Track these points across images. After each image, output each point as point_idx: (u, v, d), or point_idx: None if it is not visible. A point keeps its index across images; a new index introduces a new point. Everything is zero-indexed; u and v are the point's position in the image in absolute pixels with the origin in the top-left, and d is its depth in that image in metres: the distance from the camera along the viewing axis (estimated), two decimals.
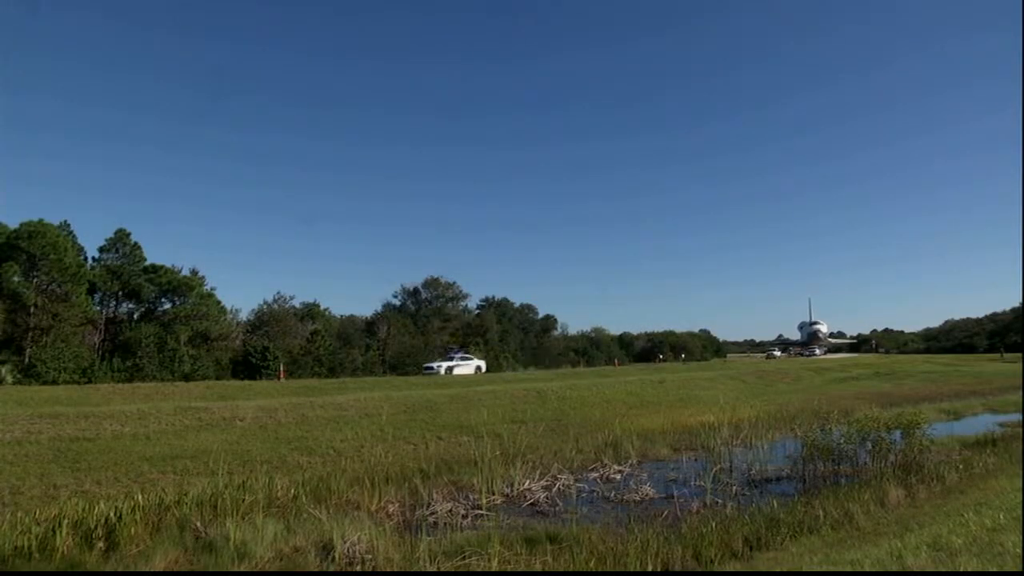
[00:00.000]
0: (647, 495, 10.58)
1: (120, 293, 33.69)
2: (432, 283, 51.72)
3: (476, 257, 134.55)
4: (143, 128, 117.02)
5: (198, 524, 8.12)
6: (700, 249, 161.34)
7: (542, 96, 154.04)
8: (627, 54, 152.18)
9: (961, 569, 5.10)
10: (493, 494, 10.35)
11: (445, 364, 34.06)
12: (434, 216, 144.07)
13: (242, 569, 6.92)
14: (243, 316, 41.22)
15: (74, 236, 32.69)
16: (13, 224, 29.79)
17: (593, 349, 60.01)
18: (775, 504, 8.95)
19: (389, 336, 42.04)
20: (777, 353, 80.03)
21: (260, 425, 14.91)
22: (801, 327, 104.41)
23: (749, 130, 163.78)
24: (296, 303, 43.42)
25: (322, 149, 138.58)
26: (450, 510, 9.46)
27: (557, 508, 9.87)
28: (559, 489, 10.84)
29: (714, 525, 7.88)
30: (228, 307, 38.74)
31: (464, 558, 6.99)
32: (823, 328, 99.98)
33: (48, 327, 28.11)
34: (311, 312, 44.37)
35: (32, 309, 28.21)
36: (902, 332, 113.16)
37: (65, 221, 32.69)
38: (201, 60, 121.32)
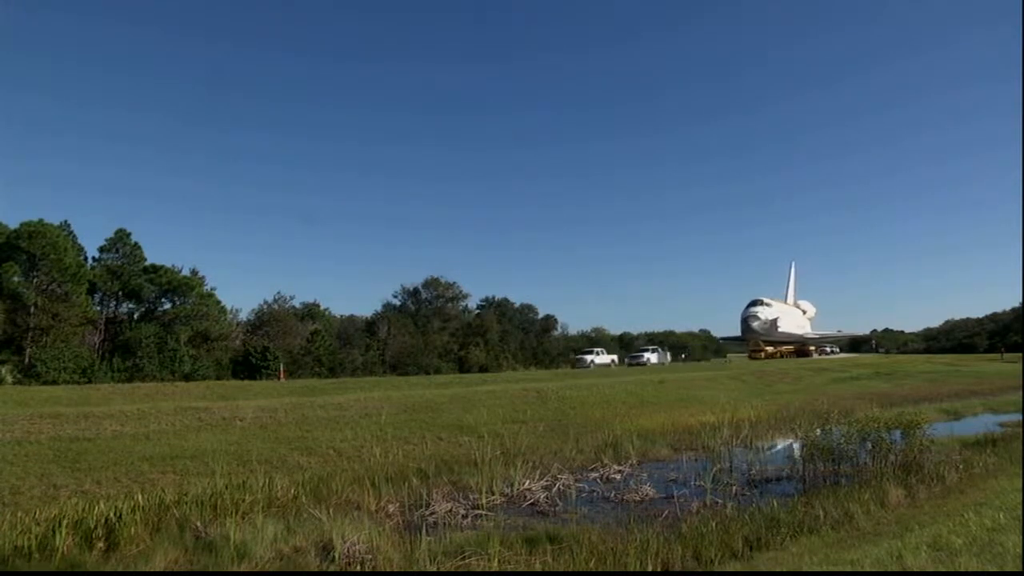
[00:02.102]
0: (647, 495, 10.57)
1: (120, 293, 33.69)
2: (432, 283, 51.70)
3: (476, 257, 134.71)
4: (143, 128, 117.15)
5: (198, 524, 8.12)
6: (700, 249, 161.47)
7: (542, 96, 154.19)
8: (627, 54, 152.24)
9: (961, 569, 5.10)
10: (493, 494, 10.34)
11: None
12: (434, 216, 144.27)
13: (242, 569, 6.92)
14: (243, 316, 41.29)
15: (74, 236, 32.72)
16: (13, 224, 29.83)
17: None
18: (775, 504, 8.95)
19: (389, 336, 42.02)
20: (648, 358, 50.59)
21: (260, 425, 14.90)
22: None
23: (749, 130, 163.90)
24: (296, 303, 43.50)
25: (322, 149, 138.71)
26: (450, 510, 9.46)
27: (557, 508, 9.87)
28: (559, 489, 10.83)
29: (714, 525, 7.88)
30: (228, 307, 38.81)
31: (464, 558, 6.99)
32: (763, 313, 64.15)
33: (48, 327, 28.12)
34: (311, 312, 44.40)
35: (32, 309, 28.21)
36: (902, 332, 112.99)
37: (65, 221, 32.73)
38: (201, 60, 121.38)
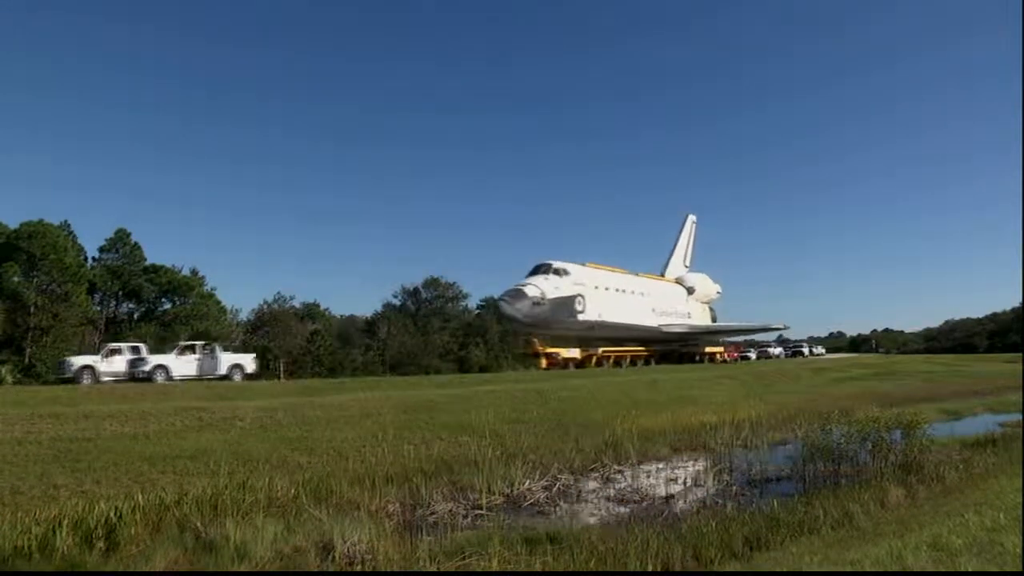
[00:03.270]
0: (647, 495, 10.58)
1: (120, 293, 33.76)
2: (432, 283, 51.62)
3: (476, 257, 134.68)
4: (143, 128, 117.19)
5: (198, 524, 8.11)
6: (701, 247, 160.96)
7: (542, 96, 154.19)
8: (626, 54, 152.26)
9: (961, 569, 5.10)
10: (493, 494, 10.34)
11: None
12: (434, 216, 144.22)
13: (242, 569, 6.91)
14: (243, 316, 41.32)
15: (74, 236, 32.82)
16: (13, 224, 29.91)
17: None
18: (775, 504, 8.94)
19: (389, 336, 42.00)
20: (166, 368, 23.78)
21: (260, 425, 14.89)
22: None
23: (748, 130, 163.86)
24: (296, 303, 43.52)
25: (322, 149, 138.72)
26: (450, 510, 9.46)
27: (557, 508, 9.87)
28: (559, 489, 10.83)
29: (714, 525, 7.88)
30: (228, 307, 38.93)
31: (464, 558, 6.98)
32: (538, 289, 36.68)
33: (48, 327, 28.14)
34: (311, 312, 44.46)
35: (32, 309, 28.23)
36: (902, 332, 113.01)
37: (65, 221, 32.84)
38: (201, 60, 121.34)
